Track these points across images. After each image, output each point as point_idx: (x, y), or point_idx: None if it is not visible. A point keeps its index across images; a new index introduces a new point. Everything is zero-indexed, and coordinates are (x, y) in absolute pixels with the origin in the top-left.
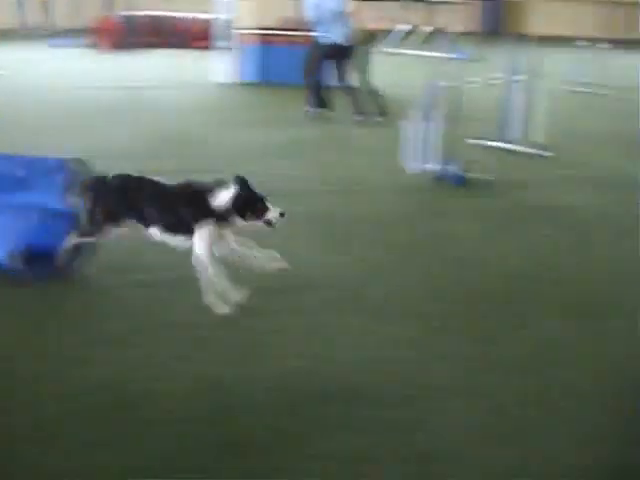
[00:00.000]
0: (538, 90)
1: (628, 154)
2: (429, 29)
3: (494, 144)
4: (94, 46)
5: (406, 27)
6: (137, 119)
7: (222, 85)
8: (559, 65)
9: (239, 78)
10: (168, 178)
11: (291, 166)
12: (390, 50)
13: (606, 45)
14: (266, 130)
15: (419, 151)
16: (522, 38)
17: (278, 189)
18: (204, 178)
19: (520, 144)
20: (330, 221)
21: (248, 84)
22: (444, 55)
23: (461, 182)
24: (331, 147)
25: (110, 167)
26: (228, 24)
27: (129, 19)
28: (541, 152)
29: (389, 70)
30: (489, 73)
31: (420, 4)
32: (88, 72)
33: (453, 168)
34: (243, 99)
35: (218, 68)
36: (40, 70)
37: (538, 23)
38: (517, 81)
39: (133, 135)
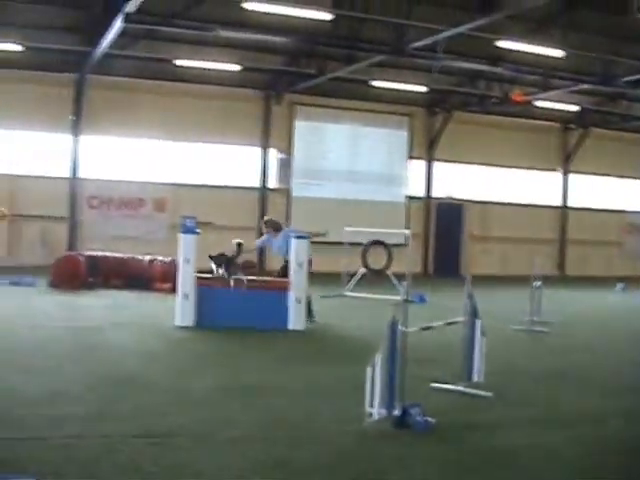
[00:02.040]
0: (482, 330)
1: (576, 390)
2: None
3: (447, 386)
4: (54, 285)
5: (362, 270)
6: (93, 360)
7: (181, 328)
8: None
9: (197, 322)
10: None
11: (230, 411)
12: (349, 293)
13: (538, 282)
14: (221, 374)
15: (381, 395)
16: (471, 279)
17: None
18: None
19: (469, 385)
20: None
21: (208, 328)
22: (398, 298)
23: (424, 428)
24: (282, 390)
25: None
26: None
27: (91, 259)
28: (483, 392)
29: (347, 313)
30: (441, 315)
31: (378, 248)
32: (47, 311)
33: (415, 413)
34: (202, 343)
35: (178, 311)
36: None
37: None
38: (471, 323)
39: (88, 377)
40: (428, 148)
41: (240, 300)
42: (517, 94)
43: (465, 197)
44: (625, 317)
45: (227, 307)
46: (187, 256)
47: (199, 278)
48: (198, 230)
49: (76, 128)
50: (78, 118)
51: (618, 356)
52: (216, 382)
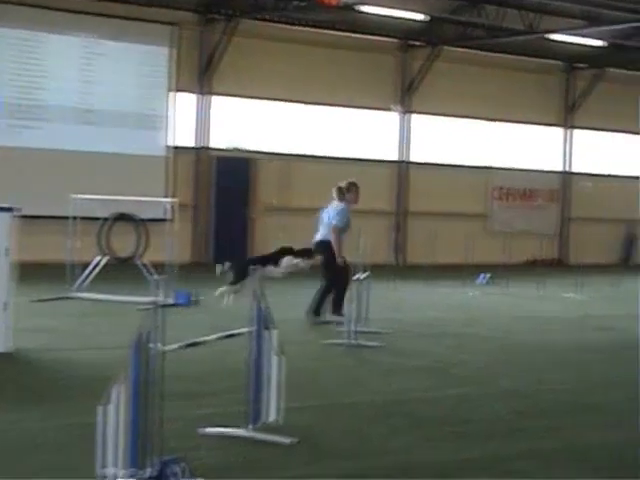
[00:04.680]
0: (279, 346)
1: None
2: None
3: (227, 430)
4: None
5: (97, 259)
6: None
7: None
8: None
9: None
10: None
11: None
12: (80, 294)
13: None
14: None
15: (124, 447)
16: None
17: None
18: None
19: (260, 427)
20: None
21: None
22: (153, 300)
23: None
24: None
25: None
26: None
27: None
28: (282, 438)
29: (77, 325)
30: (221, 323)
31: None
32: None
33: (176, 472)
34: None
35: None
36: None
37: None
38: (260, 336)
39: None
40: (201, 74)
41: None
42: None
43: (258, 148)
44: (487, 320)
45: None
46: None
47: None
48: None
49: None
50: None
51: (473, 379)
52: None
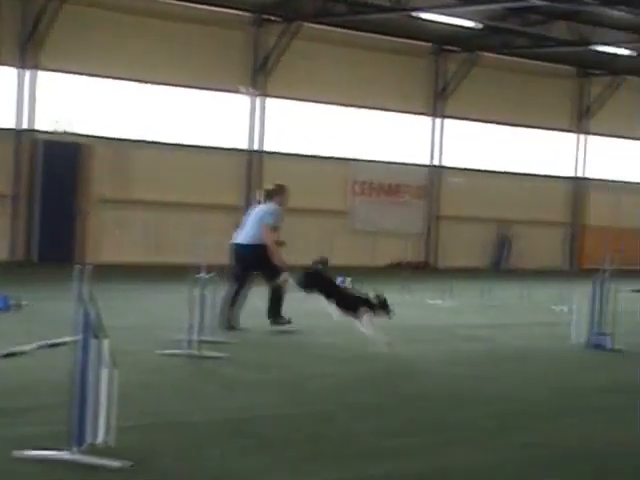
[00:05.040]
0: (109, 356)
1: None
2: None
3: (48, 453)
4: None
5: None
6: None
7: None
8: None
9: None
10: None
11: None
12: None
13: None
14: None
15: None
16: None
17: None
18: None
19: (87, 449)
20: None
21: None
22: None
23: None
24: None
25: None
26: None
27: None
28: (114, 462)
29: None
30: (44, 330)
31: None
32: None
33: None
34: None
35: None
36: None
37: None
38: (87, 345)
39: None
40: (24, 46)
41: None
42: None
43: (91, 132)
44: (344, 329)
45: None
46: None
47: None
48: None
49: None
50: None
51: (329, 394)
52: None
